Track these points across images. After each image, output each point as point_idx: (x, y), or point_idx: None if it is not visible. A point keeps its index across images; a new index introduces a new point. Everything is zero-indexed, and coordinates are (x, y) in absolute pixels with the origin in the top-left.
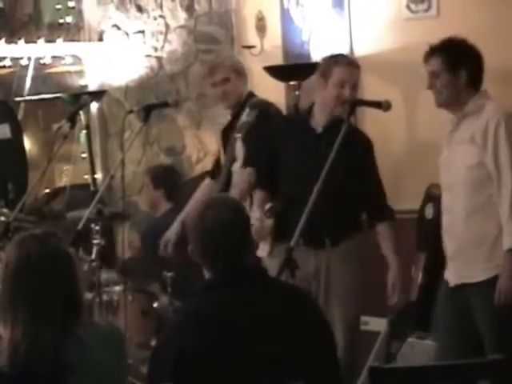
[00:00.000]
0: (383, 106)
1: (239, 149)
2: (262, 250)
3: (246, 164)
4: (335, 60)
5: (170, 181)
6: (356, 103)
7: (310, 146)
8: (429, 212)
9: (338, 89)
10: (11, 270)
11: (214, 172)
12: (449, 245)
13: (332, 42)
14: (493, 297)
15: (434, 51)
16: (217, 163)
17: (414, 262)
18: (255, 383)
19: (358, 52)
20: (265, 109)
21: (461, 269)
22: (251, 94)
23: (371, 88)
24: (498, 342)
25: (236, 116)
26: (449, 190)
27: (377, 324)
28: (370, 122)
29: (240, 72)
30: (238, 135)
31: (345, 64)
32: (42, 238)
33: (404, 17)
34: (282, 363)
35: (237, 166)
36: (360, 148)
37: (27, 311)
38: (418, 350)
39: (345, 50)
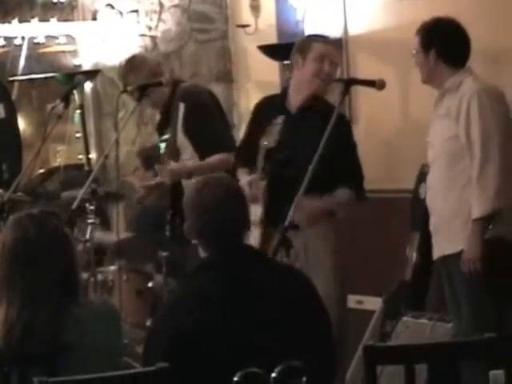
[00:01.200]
0: (377, 84)
1: (182, 142)
2: (254, 215)
3: (219, 151)
4: (314, 37)
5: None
6: (350, 82)
7: (283, 128)
8: (422, 191)
9: (317, 63)
10: (8, 250)
11: None
12: (431, 220)
13: (326, 21)
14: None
15: (417, 31)
16: None
17: (408, 241)
18: (251, 363)
19: (352, 31)
20: (192, 99)
21: (441, 241)
22: (175, 82)
23: (365, 67)
24: (475, 311)
25: (166, 110)
26: (431, 165)
27: (371, 303)
28: (363, 101)
29: (156, 75)
30: (181, 129)
31: (323, 40)
32: (39, 219)
33: None
34: (279, 342)
35: (184, 159)
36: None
37: (23, 292)
38: (413, 329)
39: (339, 29)
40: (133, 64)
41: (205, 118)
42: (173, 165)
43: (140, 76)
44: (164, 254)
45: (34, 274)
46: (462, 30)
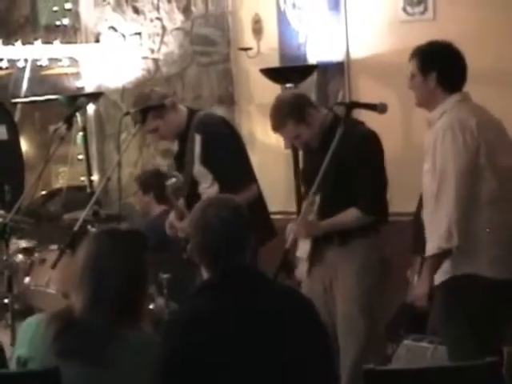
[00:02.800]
0: (379, 108)
1: (201, 172)
2: (303, 251)
3: (247, 184)
4: None
5: (157, 184)
6: (351, 105)
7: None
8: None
9: None
10: (82, 263)
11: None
12: None
13: (328, 45)
14: (442, 300)
15: (413, 53)
16: None
17: (409, 264)
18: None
19: (354, 54)
20: (208, 130)
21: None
22: (191, 112)
23: (367, 90)
24: (450, 344)
25: (183, 140)
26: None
27: None
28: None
29: (165, 109)
30: (199, 160)
31: None
32: (116, 236)
33: (400, 19)
34: (278, 365)
35: (203, 187)
36: (352, 147)
37: (87, 299)
38: (414, 353)
39: (341, 53)
40: (141, 96)
41: (221, 149)
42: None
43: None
44: (165, 275)
45: (101, 279)
46: (460, 53)
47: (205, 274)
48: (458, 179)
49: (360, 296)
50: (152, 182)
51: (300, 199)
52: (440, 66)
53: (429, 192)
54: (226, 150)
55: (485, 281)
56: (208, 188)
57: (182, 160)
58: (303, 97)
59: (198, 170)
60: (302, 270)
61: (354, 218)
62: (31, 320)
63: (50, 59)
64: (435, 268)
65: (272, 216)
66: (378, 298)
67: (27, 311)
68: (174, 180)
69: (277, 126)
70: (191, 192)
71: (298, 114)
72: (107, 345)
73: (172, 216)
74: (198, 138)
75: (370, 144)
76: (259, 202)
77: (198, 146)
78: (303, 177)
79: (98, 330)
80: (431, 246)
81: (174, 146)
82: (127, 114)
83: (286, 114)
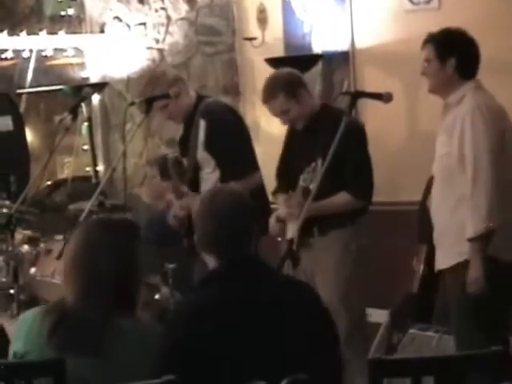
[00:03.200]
0: (384, 97)
1: (204, 157)
2: (290, 235)
3: (250, 172)
4: None
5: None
6: (357, 95)
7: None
8: (430, 203)
9: None
10: (72, 255)
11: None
12: (433, 233)
13: (333, 34)
14: (455, 283)
15: (428, 39)
16: None
17: (415, 253)
18: (257, 375)
19: (359, 44)
20: (214, 116)
21: (439, 255)
22: (199, 98)
23: (372, 80)
24: (460, 330)
25: (189, 124)
26: (434, 178)
27: (378, 315)
28: (371, 114)
29: (178, 90)
30: (202, 145)
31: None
32: (108, 225)
33: (405, 9)
34: (283, 355)
35: (206, 172)
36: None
37: (79, 290)
38: (419, 342)
39: (346, 42)
40: (151, 77)
41: (225, 135)
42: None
43: (157, 90)
44: (171, 266)
45: (89, 279)
46: (476, 42)
47: (210, 264)
48: (493, 158)
49: (339, 285)
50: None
51: None
52: (459, 52)
53: (446, 174)
54: (230, 137)
55: (501, 263)
56: (210, 173)
57: (185, 145)
58: (298, 76)
59: (202, 155)
60: None
61: (345, 202)
62: (26, 315)
63: (55, 49)
64: (483, 249)
65: (275, 205)
66: (357, 287)
67: (33, 301)
68: (176, 154)
69: (267, 97)
70: (194, 177)
71: (291, 89)
72: (103, 335)
73: (175, 207)
74: (202, 124)
75: (358, 133)
76: (261, 190)
77: (203, 132)
78: (282, 160)
79: (92, 321)
80: (475, 228)
81: (179, 132)
82: (132, 104)
83: (278, 87)
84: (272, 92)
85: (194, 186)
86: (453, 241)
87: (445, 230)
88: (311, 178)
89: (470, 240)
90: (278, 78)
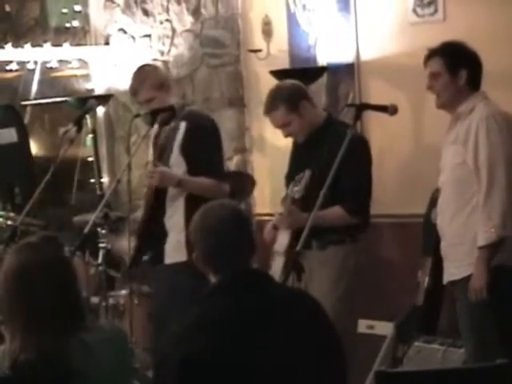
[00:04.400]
0: (389, 110)
1: (177, 161)
2: (279, 245)
3: (211, 176)
4: None
5: None
6: (362, 107)
7: None
8: (435, 216)
9: None
10: (7, 278)
11: None
12: (441, 244)
13: (338, 46)
14: (467, 295)
15: (433, 53)
16: None
17: (420, 266)
18: None
19: (364, 56)
20: (196, 120)
21: (449, 267)
22: (182, 105)
23: (377, 92)
24: (476, 340)
25: (165, 124)
26: (441, 190)
27: (383, 328)
28: (376, 126)
29: (163, 86)
30: (178, 148)
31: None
32: (35, 246)
33: (410, 21)
34: (289, 370)
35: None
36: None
37: (23, 320)
38: (425, 354)
39: (351, 54)
40: (141, 72)
41: (204, 141)
42: (164, 168)
43: (146, 84)
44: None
45: (30, 300)
46: (477, 53)
47: (212, 279)
48: (508, 167)
49: (335, 302)
50: None
51: None
52: (469, 63)
53: (460, 184)
54: (208, 144)
55: (508, 271)
56: None
57: (156, 143)
58: (301, 88)
59: (175, 158)
60: (277, 264)
61: (338, 216)
62: None
63: (60, 61)
64: (491, 258)
65: None
66: (350, 305)
67: None
68: None
69: (268, 109)
70: None
71: (293, 101)
72: (70, 358)
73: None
74: (182, 126)
75: (358, 148)
76: None
77: (181, 134)
78: (288, 174)
79: (50, 348)
80: (487, 236)
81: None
82: (137, 116)
83: (280, 99)
84: (273, 104)
85: (162, 192)
86: (465, 252)
87: (457, 242)
88: (297, 187)
89: (481, 248)
90: (281, 90)
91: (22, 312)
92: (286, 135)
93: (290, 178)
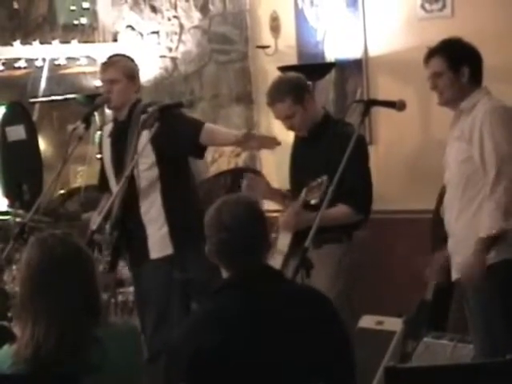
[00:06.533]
0: (397, 105)
1: (146, 150)
2: (282, 244)
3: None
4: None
5: None
6: (370, 103)
7: None
8: (443, 212)
9: None
10: (34, 268)
11: (102, 183)
12: (449, 240)
13: (346, 42)
14: (482, 290)
15: (434, 52)
16: (102, 172)
17: (428, 261)
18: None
19: (373, 52)
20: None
21: (457, 263)
22: (139, 101)
23: (385, 88)
24: (487, 336)
25: (127, 121)
26: (447, 186)
27: (392, 324)
28: (384, 122)
29: (131, 77)
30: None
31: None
32: (64, 238)
33: (418, 16)
34: (300, 366)
35: (141, 170)
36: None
37: (49, 311)
38: (434, 350)
39: (359, 50)
40: (110, 59)
41: (177, 129)
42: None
43: (114, 71)
44: (179, 274)
45: (59, 292)
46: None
47: (224, 274)
48: None
49: (333, 300)
50: None
51: None
52: (470, 59)
53: (467, 180)
54: (182, 133)
55: None
56: (146, 171)
57: (115, 139)
58: (305, 81)
59: (144, 147)
60: (276, 263)
61: (344, 214)
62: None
63: (68, 58)
64: (488, 249)
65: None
66: (348, 303)
67: None
68: None
69: (273, 100)
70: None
71: (299, 94)
72: (85, 353)
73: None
74: (155, 114)
75: (359, 146)
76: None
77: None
78: (291, 173)
79: (71, 342)
80: (489, 228)
81: (108, 128)
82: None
83: (286, 90)
84: (279, 95)
85: (130, 182)
86: (472, 249)
87: (464, 239)
88: (315, 193)
89: (480, 238)
90: (287, 82)
91: (49, 302)
92: (289, 127)
93: (294, 179)
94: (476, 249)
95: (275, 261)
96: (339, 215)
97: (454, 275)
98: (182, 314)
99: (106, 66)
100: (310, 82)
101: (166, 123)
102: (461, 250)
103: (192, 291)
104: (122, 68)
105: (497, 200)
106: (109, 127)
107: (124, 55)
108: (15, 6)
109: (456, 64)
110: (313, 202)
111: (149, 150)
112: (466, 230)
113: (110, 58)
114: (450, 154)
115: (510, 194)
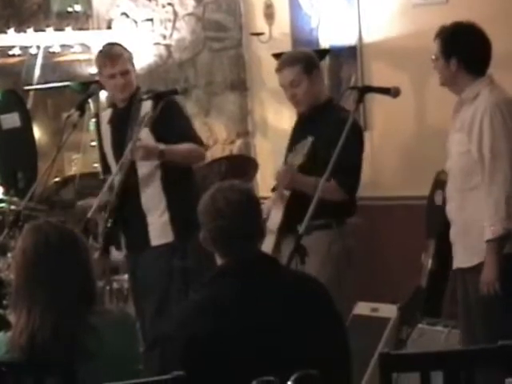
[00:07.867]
0: (392, 92)
1: (147, 140)
2: (272, 223)
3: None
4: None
5: None
6: (364, 90)
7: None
8: (438, 198)
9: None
10: (29, 255)
11: (105, 170)
12: (451, 230)
13: (341, 29)
14: (478, 283)
15: (436, 35)
16: (103, 157)
17: (423, 248)
18: (267, 371)
19: (367, 38)
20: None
21: (458, 253)
22: (138, 88)
23: (380, 74)
24: (488, 330)
25: (127, 108)
26: (449, 175)
27: (387, 311)
28: (378, 108)
29: (133, 64)
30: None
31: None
32: (58, 226)
33: (413, 3)
34: (295, 352)
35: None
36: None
37: (45, 298)
38: (428, 337)
39: (353, 37)
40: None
41: (175, 118)
42: (146, 142)
43: (123, 62)
44: (179, 262)
45: (55, 279)
46: (483, 35)
47: (218, 261)
48: (511, 160)
49: None
50: None
51: None
52: (461, 51)
53: (466, 173)
54: (181, 121)
55: None
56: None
57: (116, 125)
58: (318, 60)
59: (145, 137)
60: (267, 242)
61: (330, 188)
62: None
63: (62, 46)
64: (500, 250)
65: None
66: (347, 287)
67: None
68: None
69: (284, 64)
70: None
71: (309, 65)
72: (81, 340)
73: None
74: (150, 104)
75: (357, 133)
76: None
77: (152, 111)
78: (287, 153)
79: (67, 329)
80: (493, 230)
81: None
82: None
83: (298, 58)
84: (290, 60)
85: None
86: (474, 240)
87: (466, 230)
88: (299, 154)
89: (488, 241)
90: (301, 52)
91: (44, 289)
92: (290, 97)
93: (290, 150)
94: (488, 253)
95: (266, 240)
96: (326, 187)
97: (456, 264)
98: (182, 301)
99: (113, 58)
100: None
101: (165, 113)
102: (460, 240)
103: (191, 279)
104: (128, 58)
105: (496, 201)
106: (107, 113)
107: (120, 44)
108: None
109: (447, 52)
110: (296, 162)
111: (149, 137)
112: (465, 223)
113: (111, 49)
114: (452, 144)
115: (507, 193)
